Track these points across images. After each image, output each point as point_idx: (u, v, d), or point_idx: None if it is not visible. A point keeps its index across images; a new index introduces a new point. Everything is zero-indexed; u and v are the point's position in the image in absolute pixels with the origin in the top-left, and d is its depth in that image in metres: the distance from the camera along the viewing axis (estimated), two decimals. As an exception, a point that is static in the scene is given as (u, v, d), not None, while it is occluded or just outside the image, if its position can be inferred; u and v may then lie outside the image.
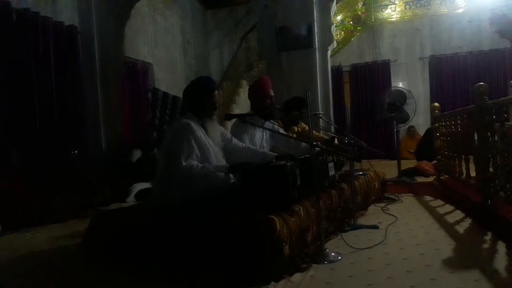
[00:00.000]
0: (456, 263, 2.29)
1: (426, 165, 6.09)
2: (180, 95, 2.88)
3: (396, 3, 9.69)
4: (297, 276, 2.15)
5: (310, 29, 5.66)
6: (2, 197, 4.00)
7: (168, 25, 8.81)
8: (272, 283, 2.07)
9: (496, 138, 3.15)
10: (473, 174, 3.90)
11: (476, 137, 3.62)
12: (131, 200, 5.06)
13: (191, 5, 9.85)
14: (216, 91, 2.80)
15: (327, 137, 4.02)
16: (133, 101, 7.23)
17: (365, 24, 9.87)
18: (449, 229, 3.02)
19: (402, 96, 5.81)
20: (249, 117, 2.93)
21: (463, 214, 3.41)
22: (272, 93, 3.30)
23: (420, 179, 5.69)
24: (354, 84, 9.89)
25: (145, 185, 5.28)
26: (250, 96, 3.41)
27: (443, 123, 5.08)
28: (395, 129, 6.17)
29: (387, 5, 9.76)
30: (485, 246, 2.59)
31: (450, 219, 3.32)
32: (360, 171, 3.87)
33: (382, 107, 5.89)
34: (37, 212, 4.11)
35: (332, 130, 4.90)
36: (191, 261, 2.28)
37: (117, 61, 6.36)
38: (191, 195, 2.53)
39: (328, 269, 2.28)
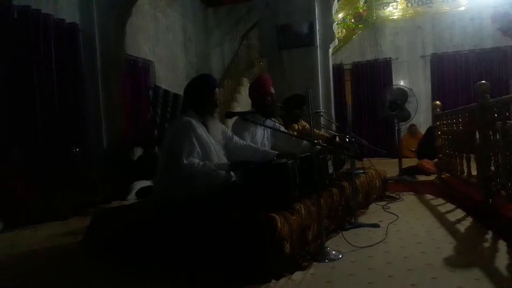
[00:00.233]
0: (457, 261, 2.28)
1: (427, 163, 6.09)
2: (181, 93, 2.88)
3: (397, 1, 9.67)
4: (298, 274, 2.15)
5: (311, 27, 5.66)
6: (3, 195, 4.01)
7: (169, 22, 8.80)
8: (273, 281, 2.07)
9: (497, 136, 3.14)
10: (474, 172, 3.90)
11: (477, 136, 3.61)
12: (132, 198, 5.07)
13: (192, 2, 9.84)
14: (217, 89, 2.80)
15: (328, 135, 4.02)
16: (134, 99, 7.23)
17: (367, 22, 9.85)
18: (450, 227, 3.01)
19: (403, 94, 5.80)
20: (250, 115, 2.92)
21: (464, 213, 3.41)
22: (272, 91, 3.29)
23: (421, 178, 5.69)
24: (356, 82, 9.87)
25: (146, 183, 5.28)
26: (250, 94, 3.40)
27: (444, 122, 5.07)
28: (396, 127, 6.16)
29: (389, 3, 9.73)
30: (486, 244, 2.59)
31: (451, 217, 3.32)
32: (361, 170, 3.87)
33: (384, 105, 5.88)
34: (38, 209, 4.12)
35: (333, 128, 4.89)
36: (192, 259, 2.28)
37: (118, 59, 6.36)
38: (192, 193, 2.53)
39: (329, 267, 2.27)
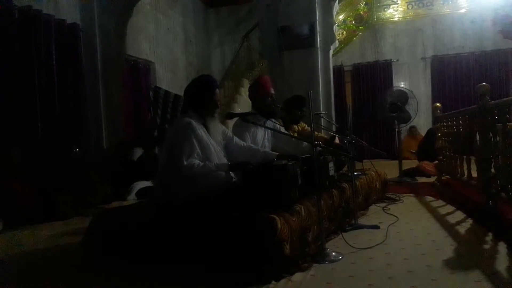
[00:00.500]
0: (457, 263, 2.28)
1: (428, 165, 6.09)
2: (182, 93, 2.87)
3: (398, 3, 9.69)
4: (297, 276, 2.15)
5: (312, 29, 5.66)
6: (3, 195, 4.01)
7: (170, 23, 8.81)
8: (273, 282, 2.07)
9: (498, 138, 3.14)
10: (474, 174, 3.89)
11: (477, 138, 3.61)
12: (132, 198, 5.07)
13: (193, 3, 9.85)
14: (217, 89, 2.79)
15: (326, 137, 4.02)
16: (134, 100, 7.24)
17: (367, 24, 9.86)
18: (450, 229, 3.01)
19: (403, 96, 5.80)
20: (251, 116, 2.92)
21: (464, 215, 3.41)
22: (273, 92, 3.29)
23: (422, 179, 5.69)
24: (356, 84, 9.88)
25: (146, 183, 5.29)
26: (251, 95, 3.40)
27: (444, 123, 5.06)
28: (396, 129, 6.16)
29: (389, 5, 9.75)
30: (486, 246, 2.59)
31: (451, 219, 3.31)
32: (360, 171, 3.87)
33: (384, 107, 5.88)
34: (38, 209, 4.11)
35: (333, 129, 4.89)
36: (192, 260, 2.28)
37: (119, 59, 6.37)
38: (192, 193, 2.52)
39: (329, 268, 2.27)
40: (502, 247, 2.50)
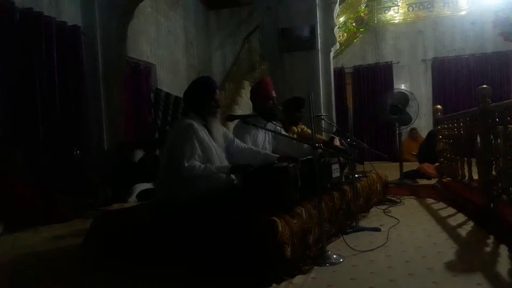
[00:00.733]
0: (458, 266, 2.27)
1: (428, 167, 6.07)
2: (182, 95, 2.87)
3: (399, 5, 9.70)
4: (298, 278, 2.15)
5: (313, 31, 5.67)
6: (4, 197, 4.01)
7: (171, 25, 8.82)
8: (274, 285, 2.07)
9: (498, 141, 3.14)
10: (475, 177, 3.89)
11: (478, 140, 3.61)
12: (133, 200, 5.06)
13: (194, 6, 9.87)
14: (217, 90, 2.79)
15: (325, 139, 4.02)
16: (135, 102, 7.25)
17: (368, 26, 9.87)
18: (451, 232, 3.01)
19: (404, 98, 5.80)
20: (252, 118, 2.93)
21: (466, 217, 3.40)
22: (274, 94, 3.30)
23: (422, 182, 5.69)
24: (357, 86, 9.89)
25: (147, 185, 5.28)
26: (252, 98, 3.40)
27: (445, 126, 5.06)
28: (397, 131, 6.16)
29: (390, 7, 9.76)
30: (488, 249, 2.58)
31: (453, 222, 3.31)
32: (361, 174, 3.86)
33: (385, 109, 5.88)
34: (39, 211, 4.11)
35: (333, 131, 4.89)
36: (192, 262, 2.28)
37: (120, 62, 6.38)
38: (193, 195, 2.52)
39: (330, 271, 2.27)
40: (503, 249, 2.49)
